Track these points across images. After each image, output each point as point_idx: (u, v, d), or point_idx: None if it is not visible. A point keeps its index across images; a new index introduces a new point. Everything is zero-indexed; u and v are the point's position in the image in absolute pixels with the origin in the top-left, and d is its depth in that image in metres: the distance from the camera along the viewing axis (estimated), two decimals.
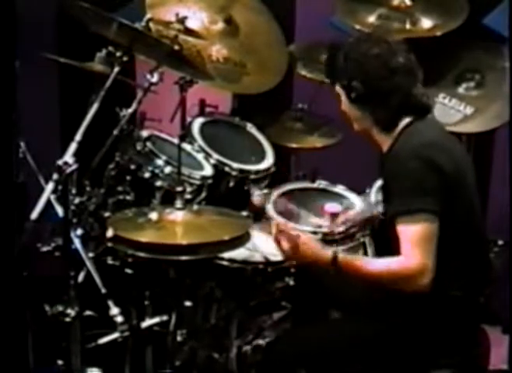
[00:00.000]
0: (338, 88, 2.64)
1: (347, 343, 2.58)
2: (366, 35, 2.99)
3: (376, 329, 2.53)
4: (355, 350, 2.57)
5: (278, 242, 2.60)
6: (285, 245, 2.57)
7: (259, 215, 3.04)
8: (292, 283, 2.99)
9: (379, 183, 3.39)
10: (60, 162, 2.45)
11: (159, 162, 3.07)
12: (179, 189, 2.72)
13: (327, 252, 2.50)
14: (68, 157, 2.47)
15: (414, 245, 2.39)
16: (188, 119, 3.41)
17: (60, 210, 2.64)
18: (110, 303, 2.58)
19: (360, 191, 3.42)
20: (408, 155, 2.47)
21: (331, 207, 3.04)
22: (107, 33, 2.76)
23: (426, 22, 3.59)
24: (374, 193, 3.38)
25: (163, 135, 3.33)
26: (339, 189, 3.35)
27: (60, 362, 2.79)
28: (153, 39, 2.86)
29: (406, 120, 2.56)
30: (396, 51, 2.57)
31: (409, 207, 2.41)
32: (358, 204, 3.19)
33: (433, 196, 2.41)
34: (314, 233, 2.92)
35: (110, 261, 2.99)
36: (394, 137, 2.56)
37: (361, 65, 2.55)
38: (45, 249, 2.91)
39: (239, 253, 2.87)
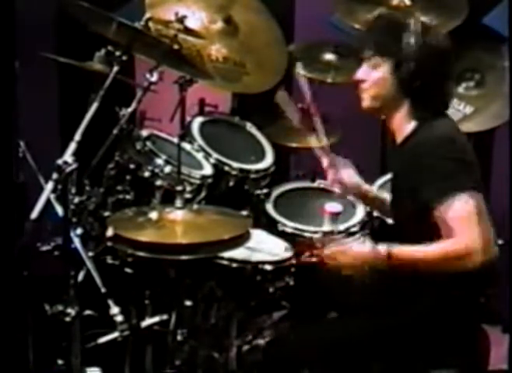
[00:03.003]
0: (377, 58, 2.51)
1: (347, 342, 2.57)
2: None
3: (376, 328, 2.53)
4: (355, 351, 2.56)
5: (335, 261, 2.55)
6: (345, 260, 2.52)
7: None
8: (292, 283, 2.99)
9: (379, 181, 3.40)
10: (60, 162, 2.45)
11: (159, 161, 3.06)
12: (179, 188, 2.71)
13: (381, 249, 2.45)
14: (68, 156, 2.48)
15: (462, 224, 2.35)
16: (188, 118, 3.41)
17: (60, 210, 2.64)
18: (110, 302, 2.58)
19: None
20: (433, 143, 2.43)
21: (331, 207, 3.04)
22: (107, 32, 2.76)
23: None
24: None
25: (163, 134, 3.33)
26: None
27: (60, 362, 2.78)
28: (152, 38, 2.86)
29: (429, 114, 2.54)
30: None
31: (446, 191, 2.37)
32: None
33: (465, 174, 2.39)
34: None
35: (109, 260, 2.98)
36: (413, 127, 2.53)
37: (433, 53, 2.47)
38: (45, 248, 2.91)
39: (239, 253, 2.87)
